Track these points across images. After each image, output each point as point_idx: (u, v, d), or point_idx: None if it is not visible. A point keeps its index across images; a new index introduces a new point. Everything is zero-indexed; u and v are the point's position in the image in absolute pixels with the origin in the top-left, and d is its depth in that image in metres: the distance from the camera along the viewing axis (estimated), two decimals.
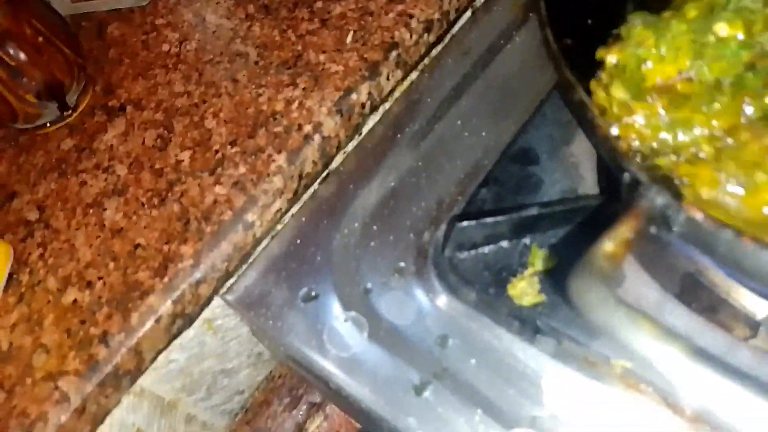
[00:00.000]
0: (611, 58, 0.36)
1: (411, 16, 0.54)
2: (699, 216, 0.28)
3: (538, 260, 0.40)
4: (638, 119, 0.32)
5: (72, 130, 0.54)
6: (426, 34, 0.55)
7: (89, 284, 0.44)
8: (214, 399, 0.53)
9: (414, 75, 0.56)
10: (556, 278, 0.39)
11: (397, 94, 0.55)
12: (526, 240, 0.41)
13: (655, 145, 0.32)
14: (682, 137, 0.31)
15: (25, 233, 0.48)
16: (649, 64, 0.34)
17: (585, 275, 0.27)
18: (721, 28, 0.34)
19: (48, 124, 0.54)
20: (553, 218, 0.40)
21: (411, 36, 0.54)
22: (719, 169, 0.30)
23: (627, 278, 0.37)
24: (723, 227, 0.28)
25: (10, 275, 0.46)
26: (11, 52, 0.48)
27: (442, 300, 0.41)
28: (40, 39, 0.49)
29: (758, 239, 0.27)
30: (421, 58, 0.56)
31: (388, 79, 0.53)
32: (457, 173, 0.47)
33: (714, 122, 0.31)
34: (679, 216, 0.29)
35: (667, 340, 0.27)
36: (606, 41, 0.38)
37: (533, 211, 0.40)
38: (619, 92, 0.34)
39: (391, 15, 0.54)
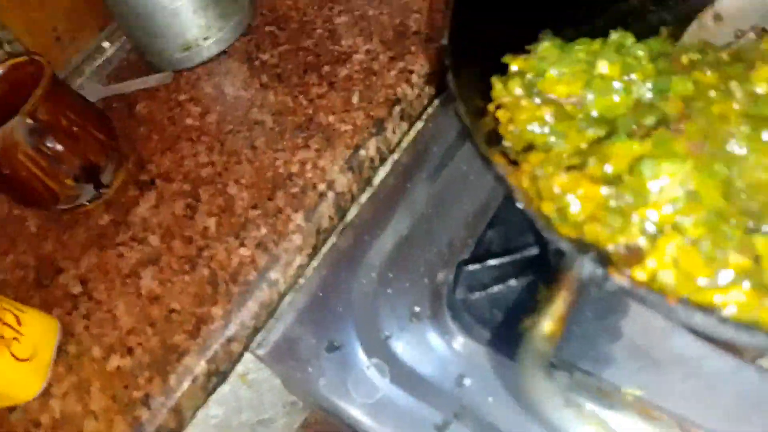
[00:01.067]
0: (515, 64, 0.39)
1: (411, 72, 0.57)
2: (625, 283, 0.28)
3: (546, 297, 0.41)
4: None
5: (108, 205, 0.59)
6: (427, 87, 0.58)
7: (130, 350, 0.48)
8: None
9: (419, 125, 0.59)
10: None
11: (405, 144, 0.58)
12: (535, 278, 0.42)
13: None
14: (554, 141, 0.34)
15: (71, 306, 0.52)
16: (548, 76, 0.37)
17: (528, 365, 0.29)
18: (602, 65, 0.37)
19: (87, 203, 0.58)
20: (557, 255, 0.42)
21: (413, 90, 0.57)
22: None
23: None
24: (649, 293, 0.28)
25: (60, 347, 0.50)
26: (49, 144, 0.53)
27: (458, 341, 0.43)
28: (75, 129, 0.54)
29: (683, 300, 0.27)
30: (424, 109, 0.59)
31: (394, 132, 0.56)
32: (465, 216, 0.49)
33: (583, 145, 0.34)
34: (608, 283, 0.29)
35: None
36: None
37: (534, 250, 0.41)
38: (515, 88, 0.36)
39: (393, 72, 0.58)
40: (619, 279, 0.28)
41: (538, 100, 0.36)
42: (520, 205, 0.32)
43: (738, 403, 0.35)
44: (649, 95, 0.37)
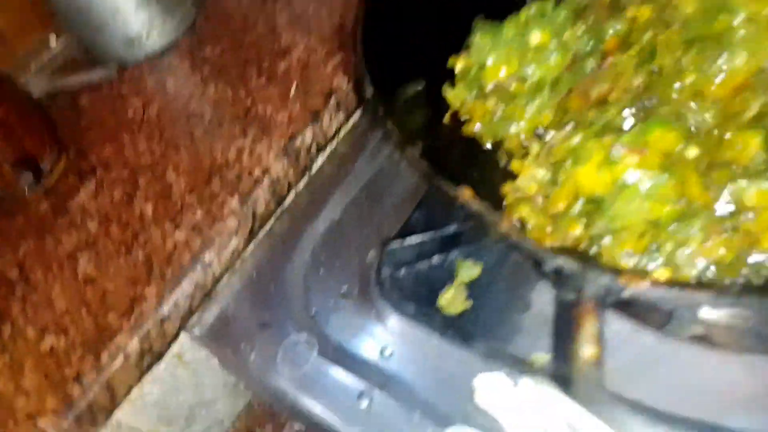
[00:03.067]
0: (459, 65, 0.41)
1: (347, 65, 0.60)
2: (644, 285, 0.27)
3: (463, 271, 0.44)
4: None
5: (48, 193, 0.59)
6: None
7: (64, 331, 0.48)
8: (194, 429, 0.57)
9: (358, 116, 0.62)
10: (480, 286, 0.43)
11: (343, 134, 0.61)
12: (453, 254, 0.45)
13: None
14: (514, 129, 0.36)
15: (7, 290, 0.53)
16: (488, 68, 0.40)
17: (587, 396, 0.30)
18: (535, 37, 0.40)
19: (26, 191, 0.59)
20: (473, 232, 0.44)
21: (348, 83, 0.59)
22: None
23: None
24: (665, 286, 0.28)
25: None
26: None
27: (383, 316, 0.45)
28: (12, 120, 0.55)
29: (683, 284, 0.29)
30: (361, 101, 0.61)
31: (330, 122, 0.58)
32: (395, 201, 0.52)
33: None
34: (623, 292, 0.28)
35: None
36: None
37: (452, 228, 0.44)
38: (463, 93, 0.39)
39: (329, 66, 0.60)
40: (635, 284, 0.27)
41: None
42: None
43: (637, 364, 0.38)
44: (587, 48, 0.40)
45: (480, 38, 0.42)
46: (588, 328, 0.29)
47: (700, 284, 0.29)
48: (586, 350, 0.28)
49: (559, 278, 0.30)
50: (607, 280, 0.28)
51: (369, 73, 0.38)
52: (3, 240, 0.57)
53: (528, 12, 0.42)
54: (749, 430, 0.33)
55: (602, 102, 0.36)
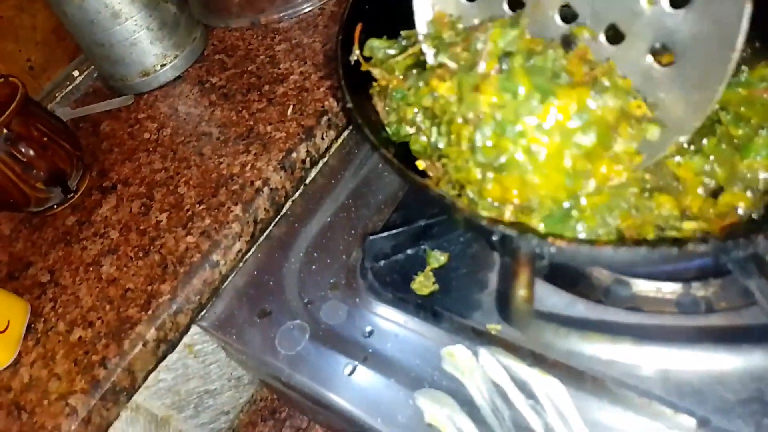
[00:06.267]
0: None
1: (338, 88, 0.67)
2: (563, 244, 0.34)
3: (432, 259, 0.50)
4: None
5: (74, 208, 0.67)
6: None
7: (90, 324, 0.55)
8: (202, 417, 0.63)
9: (347, 133, 0.69)
10: (447, 271, 0.50)
11: (334, 149, 0.68)
12: (424, 245, 0.52)
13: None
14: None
15: (40, 292, 0.60)
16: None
17: (520, 322, 0.37)
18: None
19: (55, 206, 0.67)
20: (440, 226, 0.51)
21: (338, 103, 0.67)
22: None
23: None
24: (580, 244, 0.35)
25: (29, 326, 0.57)
26: (23, 150, 0.61)
27: (366, 302, 0.52)
28: (44, 139, 0.63)
29: (603, 243, 0.36)
30: (350, 120, 0.68)
31: (323, 138, 0.66)
32: (378, 204, 0.59)
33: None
34: (550, 249, 0.34)
35: None
36: None
37: (421, 223, 0.51)
38: (376, 72, 0.47)
39: (322, 89, 0.68)
40: (558, 243, 0.34)
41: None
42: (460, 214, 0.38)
43: (580, 331, 0.44)
44: None
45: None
46: (522, 277, 0.36)
47: (602, 241, 0.36)
48: (521, 292, 0.34)
49: (502, 246, 0.37)
50: (536, 242, 0.35)
51: (347, 87, 0.45)
52: (35, 250, 0.65)
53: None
54: None
55: None
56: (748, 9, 0.34)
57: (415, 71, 0.47)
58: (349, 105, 0.43)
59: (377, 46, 0.48)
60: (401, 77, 0.46)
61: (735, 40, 0.35)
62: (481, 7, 0.46)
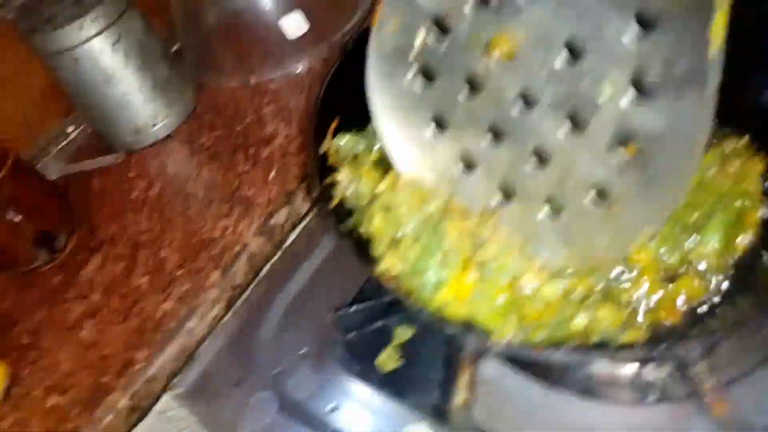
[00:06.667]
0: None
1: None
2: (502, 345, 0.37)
3: (399, 334, 0.51)
4: None
5: (61, 266, 0.68)
6: None
7: (66, 390, 0.56)
8: None
9: None
10: (412, 346, 0.50)
11: (313, 213, 0.69)
12: (392, 320, 0.52)
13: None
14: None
15: (20, 355, 0.61)
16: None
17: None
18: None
19: (41, 266, 0.68)
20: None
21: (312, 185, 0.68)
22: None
23: None
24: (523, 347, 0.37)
25: (8, 389, 0.58)
26: (12, 213, 0.63)
27: (333, 374, 0.52)
28: (34, 203, 0.65)
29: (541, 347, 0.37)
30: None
31: (303, 202, 0.67)
32: (350, 272, 0.59)
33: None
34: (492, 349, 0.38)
35: None
36: None
37: (388, 298, 0.51)
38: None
39: (305, 154, 0.69)
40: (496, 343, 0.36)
41: None
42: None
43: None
44: None
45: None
46: (463, 378, 0.36)
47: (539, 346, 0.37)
48: (460, 396, 0.35)
49: (452, 340, 0.37)
50: (479, 341, 0.36)
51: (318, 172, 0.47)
52: (21, 308, 0.66)
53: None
54: None
55: None
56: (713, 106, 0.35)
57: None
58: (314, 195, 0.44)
59: (343, 144, 0.49)
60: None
61: (701, 137, 0.36)
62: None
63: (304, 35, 0.79)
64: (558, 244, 0.40)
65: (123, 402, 0.54)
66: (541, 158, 0.41)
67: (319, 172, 0.47)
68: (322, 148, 0.49)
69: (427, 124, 0.44)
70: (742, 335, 0.43)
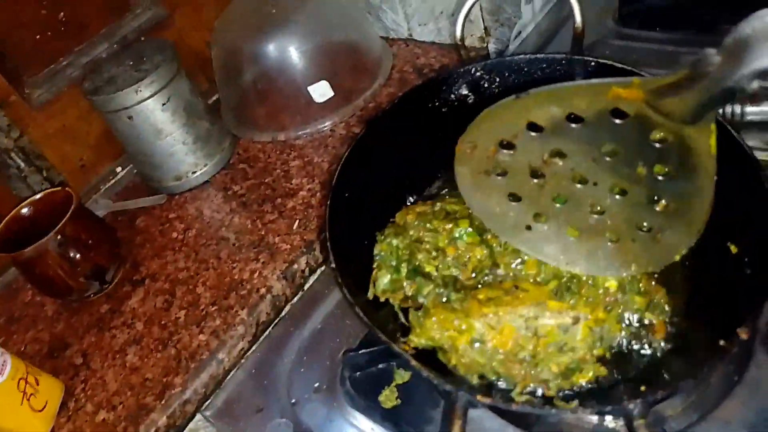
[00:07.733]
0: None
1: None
2: (487, 401, 0.45)
3: (397, 376, 0.60)
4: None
5: (108, 297, 0.79)
6: None
7: (114, 407, 0.66)
8: None
9: None
10: (410, 387, 0.59)
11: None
12: (393, 363, 0.61)
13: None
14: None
15: (73, 373, 0.71)
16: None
17: None
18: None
19: (92, 296, 0.78)
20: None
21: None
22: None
23: None
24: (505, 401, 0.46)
25: (62, 403, 0.68)
26: (71, 251, 0.73)
27: (342, 407, 0.61)
28: (90, 241, 0.75)
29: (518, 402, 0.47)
30: None
31: (321, 251, 0.76)
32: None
33: None
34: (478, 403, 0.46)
35: None
36: None
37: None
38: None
39: (323, 207, 0.79)
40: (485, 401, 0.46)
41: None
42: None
43: None
44: None
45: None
46: (455, 428, 0.45)
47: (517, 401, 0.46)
48: None
49: (442, 394, 0.46)
50: (467, 395, 0.45)
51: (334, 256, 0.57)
52: (73, 332, 0.76)
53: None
54: None
55: None
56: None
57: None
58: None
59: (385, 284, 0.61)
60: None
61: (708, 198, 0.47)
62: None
63: (329, 99, 0.90)
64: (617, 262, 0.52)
65: (162, 420, 0.64)
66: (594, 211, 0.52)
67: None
68: (369, 294, 0.60)
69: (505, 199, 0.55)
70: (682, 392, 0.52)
